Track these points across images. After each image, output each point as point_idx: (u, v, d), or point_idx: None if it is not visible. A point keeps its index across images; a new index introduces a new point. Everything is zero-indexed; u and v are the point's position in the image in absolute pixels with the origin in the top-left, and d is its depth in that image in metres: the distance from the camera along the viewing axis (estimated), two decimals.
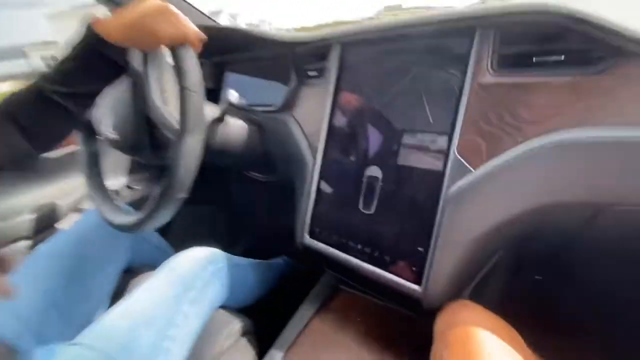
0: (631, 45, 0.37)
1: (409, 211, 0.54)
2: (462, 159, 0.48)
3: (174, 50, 0.44)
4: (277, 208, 0.96)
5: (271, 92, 0.83)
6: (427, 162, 0.52)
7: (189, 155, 0.46)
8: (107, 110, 0.53)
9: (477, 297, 0.53)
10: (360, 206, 0.59)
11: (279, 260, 1.00)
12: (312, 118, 0.69)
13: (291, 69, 0.73)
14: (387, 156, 0.57)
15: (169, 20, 0.42)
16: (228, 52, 0.90)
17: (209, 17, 0.98)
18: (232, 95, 0.65)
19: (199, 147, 0.47)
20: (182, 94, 0.44)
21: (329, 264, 0.67)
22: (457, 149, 0.48)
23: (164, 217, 0.48)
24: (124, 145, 0.55)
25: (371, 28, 0.58)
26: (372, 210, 0.58)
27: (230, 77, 0.96)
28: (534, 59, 0.43)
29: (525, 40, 0.44)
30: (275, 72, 0.83)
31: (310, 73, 0.71)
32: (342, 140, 0.64)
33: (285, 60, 0.75)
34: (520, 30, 0.44)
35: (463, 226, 0.47)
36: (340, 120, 0.64)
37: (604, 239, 0.49)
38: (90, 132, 0.58)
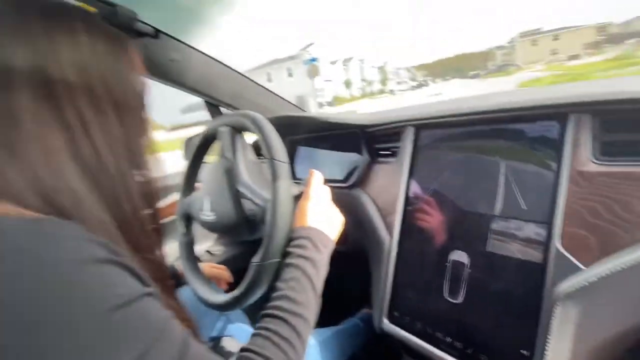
0: None
1: (506, 305, 0.48)
2: (567, 254, 0.43)
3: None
4: (351, 276, 0.94)
5: (341, 167, 0.87)
6: (523, 252, 0.48)
7: (283, 216, 0.46)
8: (204, 194, 0.59)
9: None
10: (446, 294, 0.56)
11: (356, 321, 0.94)
12: (385, 195, 0.70)
13: (363, 147, 0.77)
14: (474, 241, 0.54)
15: None
16: (303, 132, 0.98)
17: (295, 106, 1.15)
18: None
19: (291, 210, 0.48)
20: (273, 165, 0.47)
21: (410, 353, 0.62)
22: (560, 241, 0.44)
23: (260, 290, 0.49)
24: (220, 226, 0.59)
25: (448, 113, 0.59)
26: (459, 299, 0.54)
27: (302, 151, 1.04)
28: None
29: (634, 128, 0.41)
30: (345, 148, 0.88)
31: (383, 152, 0.73)
32: (419, 221, 0.62)
33: (356, 139, 0.79)
34: (625, 118, 0.41)
35: (578, 333, 0.41)
36: (417, 201, 0.63)
37: None
38: (187, 219, 0.65)
